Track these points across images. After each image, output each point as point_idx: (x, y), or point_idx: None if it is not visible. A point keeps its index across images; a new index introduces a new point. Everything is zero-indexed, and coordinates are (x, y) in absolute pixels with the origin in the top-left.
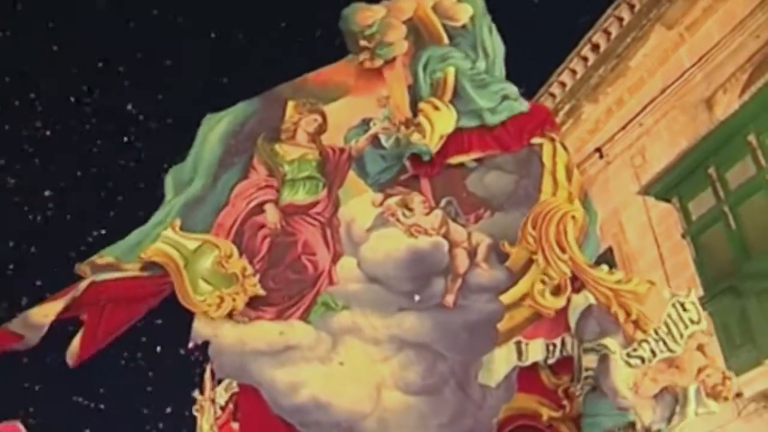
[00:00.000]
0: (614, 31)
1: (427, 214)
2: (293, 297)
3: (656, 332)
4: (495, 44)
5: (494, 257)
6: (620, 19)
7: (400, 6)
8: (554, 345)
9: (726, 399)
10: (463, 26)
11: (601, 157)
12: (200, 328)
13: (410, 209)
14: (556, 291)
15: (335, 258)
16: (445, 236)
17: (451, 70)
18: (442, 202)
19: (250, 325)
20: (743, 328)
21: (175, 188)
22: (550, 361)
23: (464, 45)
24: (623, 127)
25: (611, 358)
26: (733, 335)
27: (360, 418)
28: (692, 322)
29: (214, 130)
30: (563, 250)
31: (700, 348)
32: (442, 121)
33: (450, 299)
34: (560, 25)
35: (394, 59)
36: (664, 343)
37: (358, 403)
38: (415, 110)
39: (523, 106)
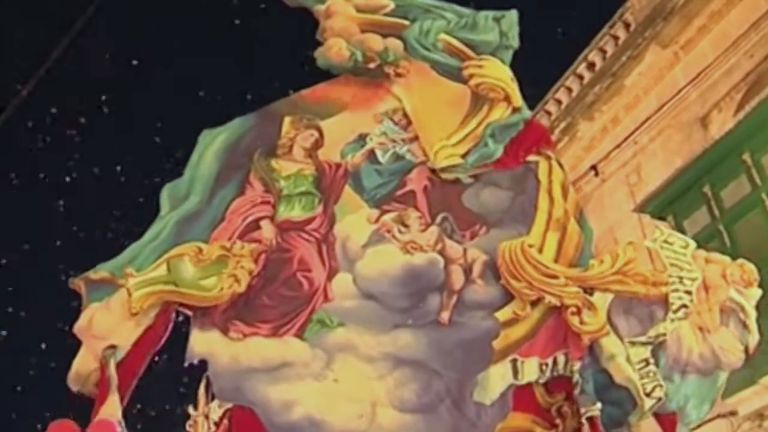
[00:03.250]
0: (610, 49)
1: (423, 230)
2: (288, 314)
3: (673, 276)
4: None
5: (490, 274)
6: (616, 38)
7: (333, 26)
8: (546, 365)
9: (756, 279)
10: (397, 6)
11: (597, 174)
12: (195, 347)
13: (406, 225)
14: (579, 311)
15: (331, 275)
16: (441, 253)
17: (444, 35)
18: (438, 219)
19: (245, 342)
20: None
21: (171, 204)
22: (542, 381)
23: (419, 15)
24: (618, 145)
25: (668, 338)
26: None
27: None
28: (684, 247)
29: (211, 146)
30: (555, 277)
31: (707, 260)
32: (497, 69)
33: (445, 316)
34: (556, 43)
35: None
36: (686, 278)
37: (353, 420)
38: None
39: (512, 13)
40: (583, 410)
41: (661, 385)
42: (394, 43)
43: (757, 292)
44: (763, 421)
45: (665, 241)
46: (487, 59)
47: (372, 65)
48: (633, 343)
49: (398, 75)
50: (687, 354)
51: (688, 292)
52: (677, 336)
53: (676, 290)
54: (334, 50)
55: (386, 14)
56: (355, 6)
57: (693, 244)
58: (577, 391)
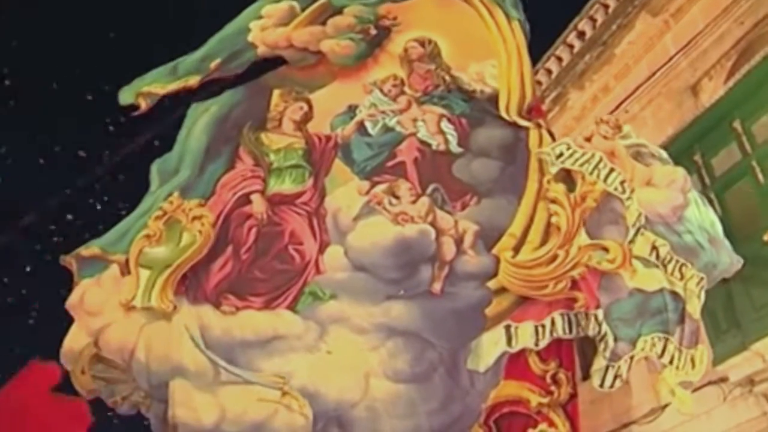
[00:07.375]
0: (600, 18)
1: (414, 201)
2: (281, 287)
3: (590, 172)
4: None
5: (481, 244)
6: (606, 6)
7: (304, 42)
8: (543, 326)
9: (618, 120)
10: None
11: None
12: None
13: (397, 197)
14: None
15: (322, 247)
16: (432, 224)
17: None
18: (429, 189)
19: (238, 316)
20: (729, 314)
21: (161, 179)
22: (541, 344)
23: None
24: (609, 114)
25: (644, 212)
26: (719, 320)
27: (349, 407)
28: (569, 147)
29: (200, 120)
30: (555, 257)
31: (587, 139)
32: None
33: (437, 287)
34: (546, 13)
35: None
36: (597, 163)
37: (347, 392)
38: None
39: None
40: (630, 355)
41: (685, 264)
42: (356, 8)
43: (627, 127)
44: (754, 387)
45: (557, 156)
46: None
47: (373, 32)
48: (632, 241)
49: (394, 20)
50: (662, 207)
51: (612, 170)
52: (644, 203)
53: (605, 177)
54: (336, 49)
55: (303, 8)
56: (275, 25)
57: (569, 139)
58: (611, 342)
